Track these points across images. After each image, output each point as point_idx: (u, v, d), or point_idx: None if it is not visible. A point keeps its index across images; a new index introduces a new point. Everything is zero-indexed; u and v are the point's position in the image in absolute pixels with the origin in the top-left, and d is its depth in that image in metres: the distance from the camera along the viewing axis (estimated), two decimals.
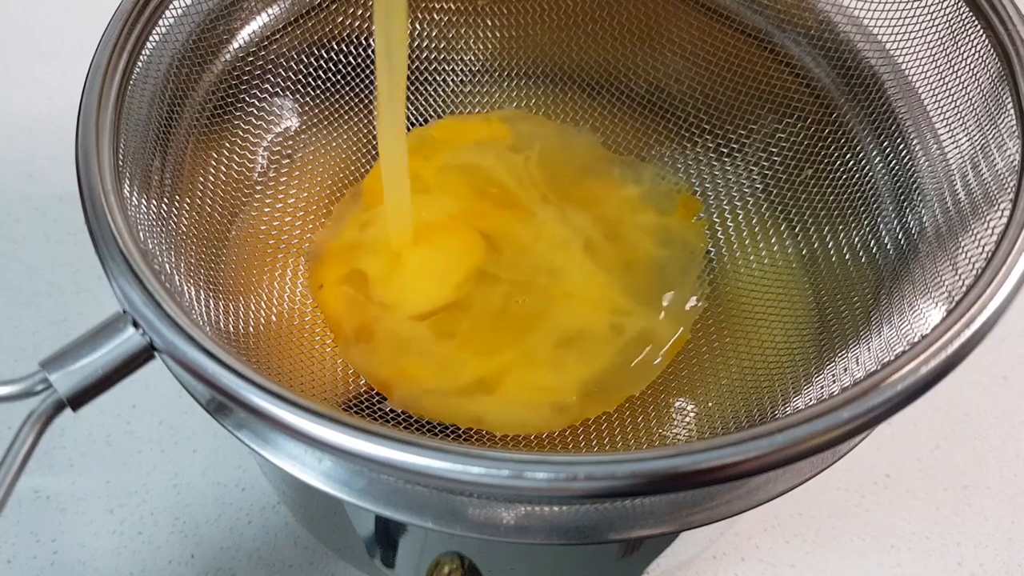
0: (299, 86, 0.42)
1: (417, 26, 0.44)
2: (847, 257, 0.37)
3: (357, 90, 0.44)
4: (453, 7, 0.44)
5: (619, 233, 0.41)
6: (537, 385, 0.36)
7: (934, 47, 0.35)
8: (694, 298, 0.39)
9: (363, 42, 0.43)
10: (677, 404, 0.36)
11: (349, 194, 0.42)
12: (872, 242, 0.36)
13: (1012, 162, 0.30)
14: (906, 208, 0.34)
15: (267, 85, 0.41)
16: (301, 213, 0.41)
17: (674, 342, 0.38)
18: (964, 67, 0.34)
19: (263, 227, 0.40)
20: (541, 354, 0.37)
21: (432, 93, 0.46)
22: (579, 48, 0.45)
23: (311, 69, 0.42)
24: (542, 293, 0.39)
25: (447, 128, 0.45)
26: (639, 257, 0.40)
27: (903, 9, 0.36)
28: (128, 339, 0.25)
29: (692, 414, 0.35)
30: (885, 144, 0.36)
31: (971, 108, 0.33)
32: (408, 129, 0.45)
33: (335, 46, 0.43)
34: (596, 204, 0.42)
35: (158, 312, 0.25)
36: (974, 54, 0.33)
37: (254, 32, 0.39)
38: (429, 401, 0.36)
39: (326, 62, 0.43)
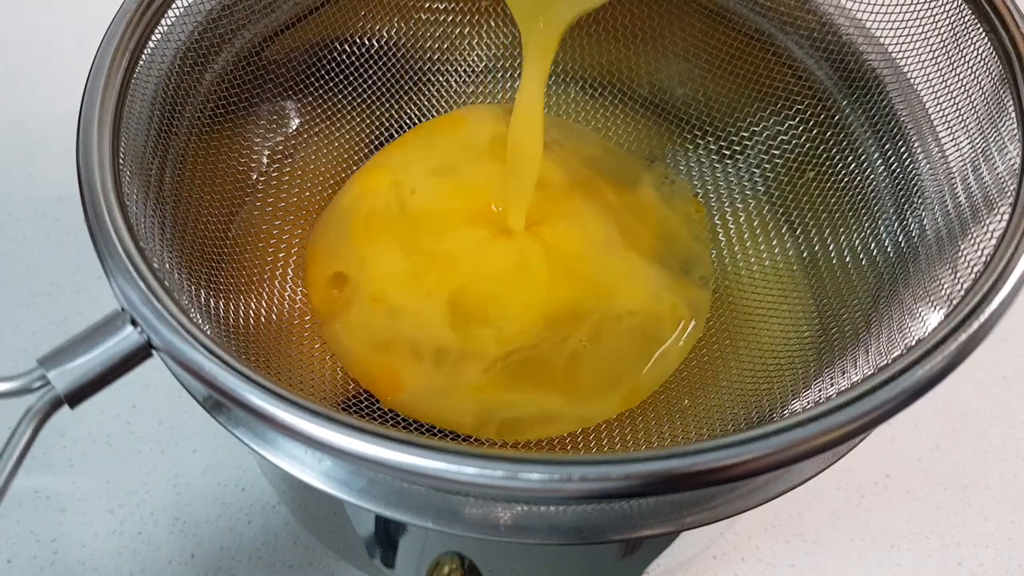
0: (300, 86, 0.42)
1: (420, 27, 0.44)
2: (847, 259, 0.37)
3: (359, 90, 0.44)
4: (456, 7, 0.44)
5: (625, 232, 0.41)
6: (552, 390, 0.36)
7: (936, 48, 0.35)
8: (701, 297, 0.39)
9: (365, 42, 0.43)
10: (677, 406, 0.36)
11: None
12: (872, 245, 0.36)
13: (1012, 165, 0.30)
14: (906, 211, 0.34)
15: (268, 85, 0.41)
16: (302, 213, 0.41)
17: (687, 339, 0.38)
18: (965, 69, 0.34)
19: (263, 227, 0.40)
20: (555, 356, 0.37)
21: (435, 93, 0.46)
22: (582, 49, 0.45)
23: (312, 69, 0.42)
24: (557, 290, 0.39)
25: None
26: (645, 257, 0.40)
27: (905, 11, 0.36)
28: (126, 337, 0.25)
29: (691, 416, 0.35)
30: (886, 146, 0.36)
31: (972, 110, 0.33)
32: (407, 126, 0.45)
33: (336, 46, 0.43)
34: (603, 201, 0.42)
35: (156, 310, 0.25)
36: (975, 56, 0.33)
37: (255, 32, 0.39)
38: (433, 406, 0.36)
39: (328, 62, 0.43)
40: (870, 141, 0.37)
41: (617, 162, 0.44)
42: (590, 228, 0.40)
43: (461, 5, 0.44)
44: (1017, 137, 0.30)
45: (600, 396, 0.36)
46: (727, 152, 0.43)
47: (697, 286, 0.39)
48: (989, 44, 0.32)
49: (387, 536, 0.34)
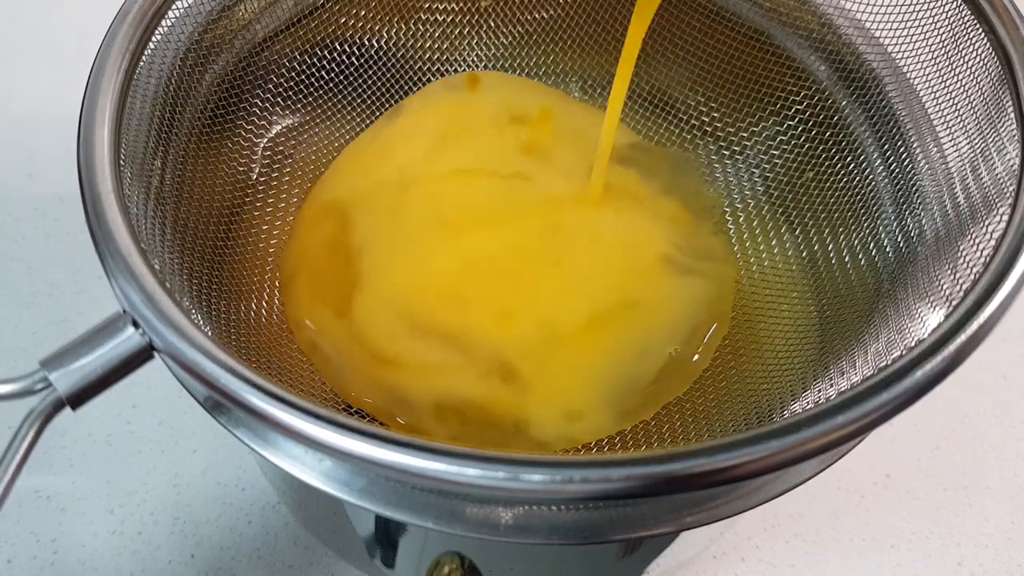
0: (300, 86, 0.42)
1: (420, 27, 0.44)
2: (847, 260, 0.37)
3: (360, 90, 0.44)
4: (456, 7, 0.44)
5: (633, 231, 0.41)
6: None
7: (935, 49, 0.35)
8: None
9: (364, 42, 0.43)
10: (676, 406, 0.36)
11: None
12: (872, 245, 0.36)
13: (1012, 166, 0.30)
14: (906, 212, 0.34)
15: (268, 85, 0.41)
16: None
17: (710, 338, 0.38)
18: (965, 69, 0.34)
19: (264, 227, 0.40)
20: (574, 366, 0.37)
21: None
22: (581, 49, 0.45)
23: (312, 69, 0.42)
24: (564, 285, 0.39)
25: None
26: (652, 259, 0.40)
27: (905, 11, 0.36)
28: (128, 339, 0.25)
29: (691, 416, 0.35)
30: (886, 147, 0.36)
31: (971, 111, 0.33)
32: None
33: (337, 46, 0.43)
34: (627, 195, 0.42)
35: (157, 312, 0.25)
36: (975, 56, 0.33)
37: (256, 32, 0.39)
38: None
39: (328, 62, 0.43)
40: (870, 141, 0.37)
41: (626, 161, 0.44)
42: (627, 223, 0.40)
43: (461, 5, 0.44)
44: (1016, 138, 0.30)
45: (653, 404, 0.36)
46: (727, 152, 0.43)
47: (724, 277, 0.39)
48: (988, 44, 0.32)
49: (387, 536, 0.34)
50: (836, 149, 0.39)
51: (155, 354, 0.26)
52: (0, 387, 0.25)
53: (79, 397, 0.25)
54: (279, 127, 0.42)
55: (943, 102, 0.34)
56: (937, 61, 0.35)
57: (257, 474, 0.43)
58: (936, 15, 0.35)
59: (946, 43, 0.34)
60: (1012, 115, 0.30)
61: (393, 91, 0.45)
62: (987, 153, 0.32)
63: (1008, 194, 0.29)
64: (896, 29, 0.36)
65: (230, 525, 0.42)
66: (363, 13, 0.43)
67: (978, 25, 0.32)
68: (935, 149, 0.34)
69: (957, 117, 0.34)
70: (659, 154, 0.43)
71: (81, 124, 0.29)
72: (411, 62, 0.45)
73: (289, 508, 0.42)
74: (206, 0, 0.36)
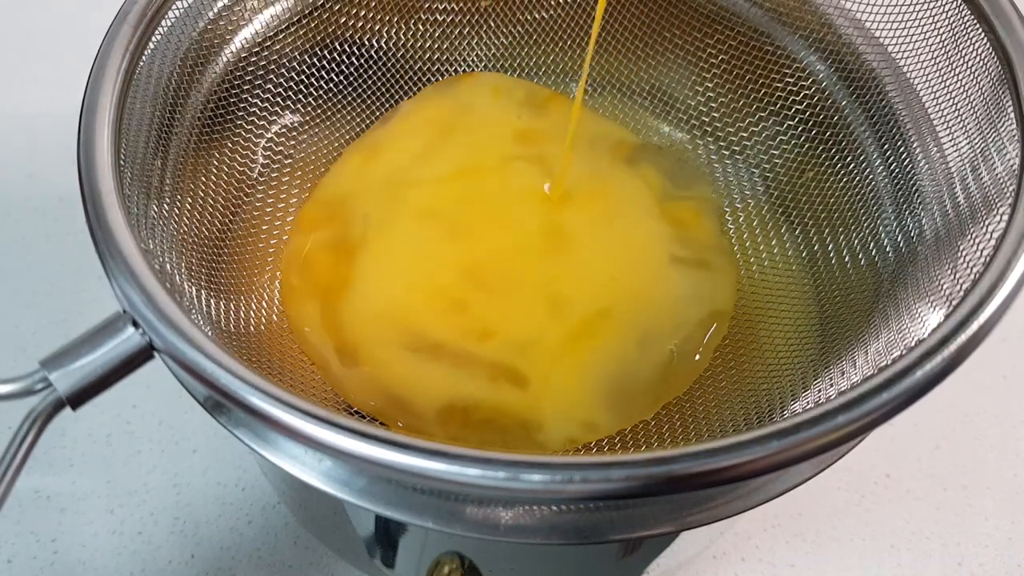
0: (300, 86, 0.42)
1: (420, 27, 0.44)
2: (847, 260, 0.37)
3: (359, 90, 0.44)
4: (456, 7, 0.44)
5: (633, 231, 0.41)
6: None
7: (935, 49, 0.35)
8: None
9: (364, 42, 0.43)
10: (676, 406, 0.36)
11: None
12: (872, 245, 0.36)
13: (1012, 166, 0.30)
14: (906, 212, 0.34)
15: (268, 85, 0.41)
16: None
17: (710, 338, 0.38)
18: (965, 69, 0.34)
19: (264, 227, 0.40)
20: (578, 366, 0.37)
21: None
22: (581, 49, 0.45)
23: (312, 69, 0.42)
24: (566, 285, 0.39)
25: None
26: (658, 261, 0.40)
27: (905, 11, 0.36)
28: (128, 339, 0.25)
29: (691, 416, 0.35)
30: (886, 147, 0.36)
31: (971, 111, 0.33)
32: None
33: (336, 46, 0.43)
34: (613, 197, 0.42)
35: (158, 312, 0.25)
36: (975, 56, 0.33)
37: (256, 32, 0.39)
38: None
39: (328, 62, 0.43)
40: (870, 141, 0.37)
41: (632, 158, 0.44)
42: (624, 222, 0.40)
43: (461, 5, 0.44)
44: (1016, 138, 0.30)
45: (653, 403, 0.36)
46: (727, 152, 0.43)
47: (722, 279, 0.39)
48: (988, 44, 0.32)
49: (387, 536, 0.34)
50: (836, 149, 0.39)
51: (155, 354, 0.26)
52: (0, 387, 0.25)
53: (79, 397, 0.25)
54: (279, 127, 0.42)
55: (943, 102, 0.34)
56: (937, 61, 0.35)
57: (257, 474, 0.43)
58: (936, 15, 0.35)
59: (946, 43, 0.34)
60: (1012, 115, 0.30)
61: (393, 91, 0.45)
62: (987, 153, 0.32)
63: (1008, 194, 0.29)
64: (896, 29, 0.36)
65: (230, 525, 0.42)
66: (363, 13, 0.43)
67: (978, 25, 0.32)
68: (935, 149, 0.34)
69: (957, 117, 0.34)
70: (659, 154, 0.43)
71: (81, 124, 0.29)
72: (411, 62, 0.45)
73: (289, 508, 0.42)
74: (206, 0, 0.36)
